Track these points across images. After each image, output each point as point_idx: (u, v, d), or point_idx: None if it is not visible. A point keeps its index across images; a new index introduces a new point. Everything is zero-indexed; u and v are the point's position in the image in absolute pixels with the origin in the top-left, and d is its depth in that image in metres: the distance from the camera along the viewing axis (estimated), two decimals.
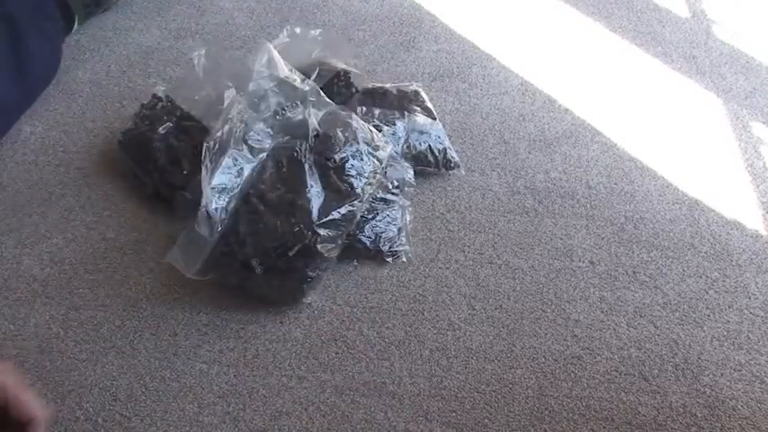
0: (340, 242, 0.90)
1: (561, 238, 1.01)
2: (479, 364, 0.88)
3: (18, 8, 1.10)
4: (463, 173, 1.08)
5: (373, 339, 0.89)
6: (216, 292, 0.93)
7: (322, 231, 0.88)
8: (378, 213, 0.97)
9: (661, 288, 0.96)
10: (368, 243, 0.96)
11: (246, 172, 0.90)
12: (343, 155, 0.93)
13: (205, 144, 0.89)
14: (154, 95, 1.07)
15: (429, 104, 1.11)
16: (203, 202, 0.87)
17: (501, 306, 0.93)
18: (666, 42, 1.33)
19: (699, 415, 0.84)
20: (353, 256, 0.97)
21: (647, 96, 1.23)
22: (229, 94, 0.95)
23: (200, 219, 0.86)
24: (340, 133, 0.94)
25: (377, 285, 0.95)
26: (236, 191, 0.88)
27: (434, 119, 1.09)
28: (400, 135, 1.04)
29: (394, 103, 1.08)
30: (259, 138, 0.92)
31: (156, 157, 1.00)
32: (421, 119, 1.07)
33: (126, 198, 1.03)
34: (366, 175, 0.94)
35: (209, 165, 0.88)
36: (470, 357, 0.88)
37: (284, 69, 0.98)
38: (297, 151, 0.91)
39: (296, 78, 0.98)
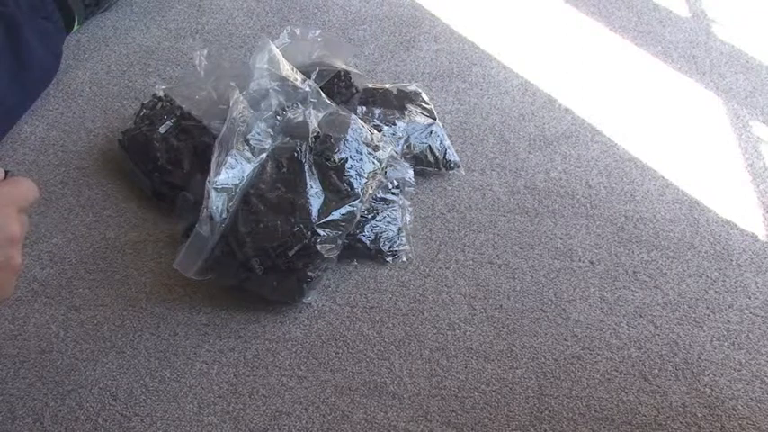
0: (340, 242, 0.90)
1: (561, 238, 1.01)
2: (479, 364, 0.88)
3: (17, 8, 1.10)
4: (463, 173, 1.08)
5: (373, 339, 0.89)
6: (216, 292, 0.93)
7: (322, 231, 0.88)
8: (378, 213, 0.97)
9: (661, 288, 0.96)
10: (368, 243, 0.96)
11: (248, 172, 0.90)
12: (343, 155, 0.93)
13: (216, 143, 0.89)
14: (154, 95, 1.07)
15: (429, 104, 1.11)
16: (205, 201, 0.87)
17: (501, 306, 0.93)
18: (666, 42, 1.33)
19: (699, 415, 0.84)
20: (353, 256, 0.97)
21: (647, 96, 1.23)
22: (234, 94, 0.95)
23: (202, 219, 0.86)
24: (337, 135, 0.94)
25: (377, 285, 0.95)
26: (237, 191, 0.89)
27: (434, 119, 1.09)
28: (400, 135, 1.04)
29: (394, 103, 1.08)
30: (260, 138, 0.92)
31: (156, 157, 1.00)
32: (421, 119, 1.07)
33: (126, 198, 1.03)
34: (366, 175, 0.94)
35: (214, 164, 0.88)
36: (470, 357, 0.88)
37: (286, 68, 0.98)
38: (297, 152, 0.91)
39: (297, 78, 0.98)
